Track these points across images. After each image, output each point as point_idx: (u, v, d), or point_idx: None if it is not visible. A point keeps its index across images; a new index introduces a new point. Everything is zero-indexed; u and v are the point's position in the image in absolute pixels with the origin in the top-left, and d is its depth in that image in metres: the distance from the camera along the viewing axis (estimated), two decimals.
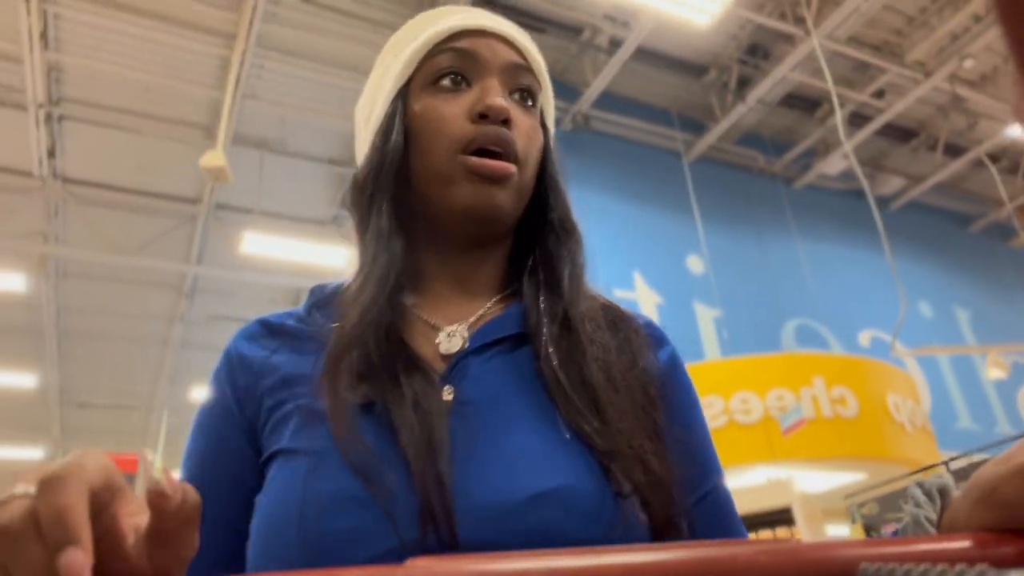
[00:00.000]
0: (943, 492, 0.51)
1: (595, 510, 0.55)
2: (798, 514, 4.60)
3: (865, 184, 4.60)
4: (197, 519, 0.40)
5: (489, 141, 0.65)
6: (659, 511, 0.57)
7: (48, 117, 5.97)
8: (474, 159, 0.65)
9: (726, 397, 4.54)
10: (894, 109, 6.74)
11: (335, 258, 6.34)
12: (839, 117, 4.53)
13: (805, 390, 4.52)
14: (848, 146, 4.59)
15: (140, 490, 0.39)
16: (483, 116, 0.66)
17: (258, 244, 6.10)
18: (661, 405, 0.65)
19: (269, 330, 0.71)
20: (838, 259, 7.29)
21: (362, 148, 0.76)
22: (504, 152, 0.66)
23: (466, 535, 0.52)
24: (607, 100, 6.51)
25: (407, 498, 0.53)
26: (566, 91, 6.34)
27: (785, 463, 4.47)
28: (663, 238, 6.38)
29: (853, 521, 3.41)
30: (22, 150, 6.24)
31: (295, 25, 5.59)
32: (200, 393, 5.92)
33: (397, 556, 0.51)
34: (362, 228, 0.70)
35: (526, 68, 0.72)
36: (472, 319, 0.68)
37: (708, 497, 0.65)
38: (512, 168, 0.66)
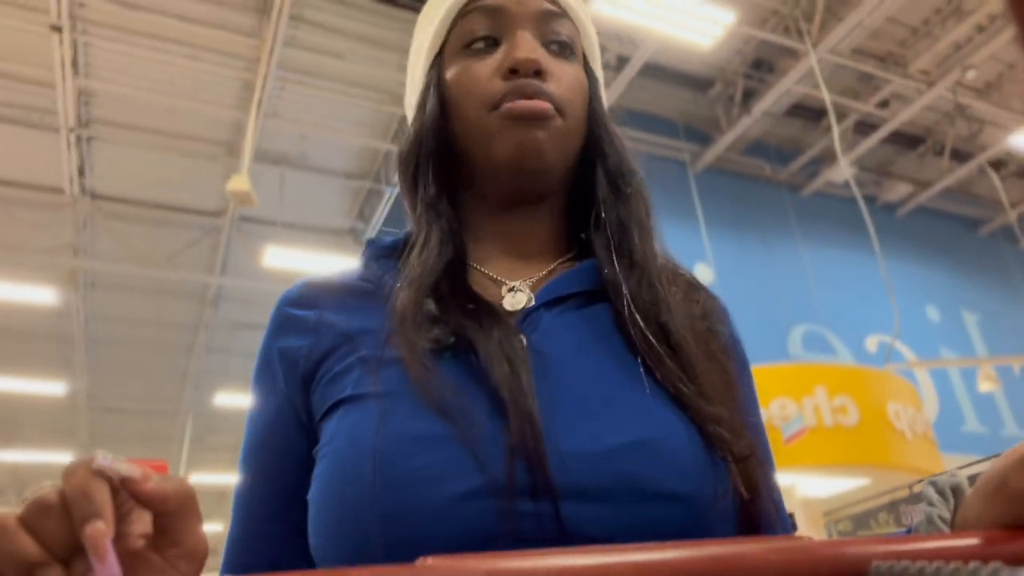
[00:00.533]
0: (956, 490, 0.51)
1: (690, 466, 0.53)
2: (800, 520, 4.76)
3: (857, 193, 4.75)
4: (192, 511, 0.41)
5: (520, 94, 0.63)
6: (757, 482, 0.56)
7: (78, 139, 6.24)
8: (508, 104, 0.63)
9: None
10: (899, 118, 6.86)
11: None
12: (836, 134, 4.68)
13: (807, 400, 4.68)
14: (845, 161, 4.74)
15: None
16: (513, 71, 0.64)
17: (280, 257, 6.33)
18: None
19: (317, 289, 0.68)
20: (845, 264, 7.41)
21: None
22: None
23: (557, 478, 0.50)
24: (614, 114, 6.66)
25: (494, 436, 0.52)
26: None
27: (788, 470, 4.64)
28: (670, 247, 6.53)
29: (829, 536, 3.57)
30: (54, 169, 6.52)
31: (314, 48, 5.81)
32: (224, 398, 6.16)
33: (483, 496, 0.50)
34: (412, 200, 0.69)
35: (559, 15, 0.69)
36: (535, 278, 0.66)
37: None
38: (548, 106, 0.64)
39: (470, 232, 0.69)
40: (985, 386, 5.57)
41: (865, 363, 6.44)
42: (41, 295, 6.83)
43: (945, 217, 8.49)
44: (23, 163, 6.54)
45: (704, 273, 6.59)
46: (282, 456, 0.64)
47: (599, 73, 0.75)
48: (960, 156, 7.64)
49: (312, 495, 0.56)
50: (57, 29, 4.99)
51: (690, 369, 0.58)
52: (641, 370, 0.58)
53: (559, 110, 0.65)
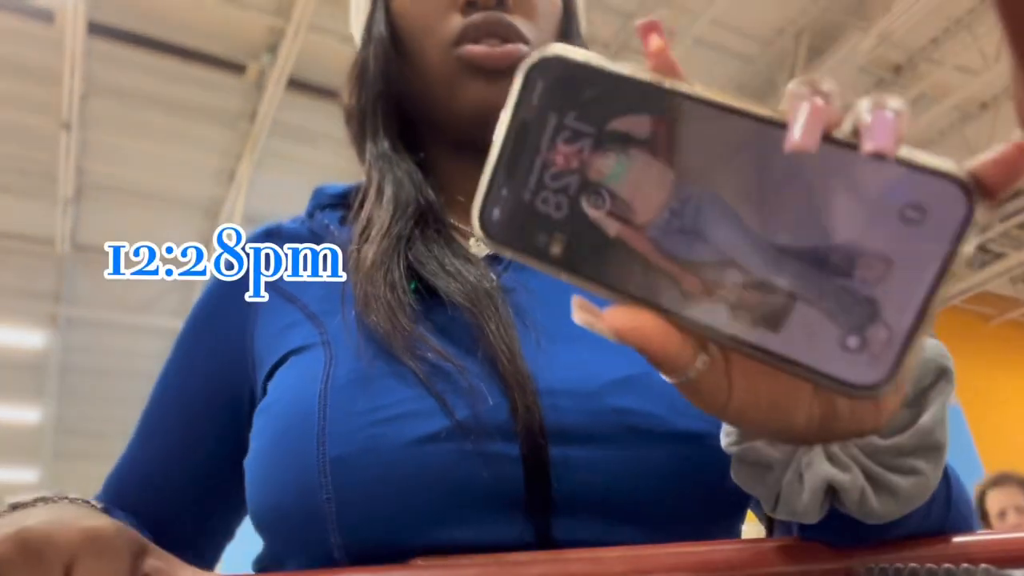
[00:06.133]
0: None
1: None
2: None
3: None
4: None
5: (481, 34, 0.56)
6: None
7: (73, 206, 6.96)
8: (471, 48, 0.56)
9: None
10: None
11: None
12: None
13: None
14: None
15: None
16: (470, 3, 0.57)
17: None
18: None
19: (269, 236, 0.65)
20: None
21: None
22: (505, 40, 0.56)
23: (548, 417, 0.45)
24: None
25: (466, 373, 0.47)
26: None
27: None
28: None
29: None
30: (47, 226, 7.21)
31: (290, 137, 6.63)
32: None
33: (453, 437, 0.44)
34: (360, 148, 0.64)
35: None
36: None
37: None
38: (519, 50, 0.56)
39: (430, 176, 0.62)
40: None
41: None
42: (24, 338, 7.50)
43: None
44: (20, 219, 7.23)
45: None
46: (194, 419, 0.61)
47: None
48: None
49: (250, 457, 0.51)
50: (66, 126, 5.73)
51: None
52: None
53: (529, 42, 0.57)
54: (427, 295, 0.53)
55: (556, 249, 0.29)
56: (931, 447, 0.35)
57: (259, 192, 7.06)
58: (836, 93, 0.27)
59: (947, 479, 0.42)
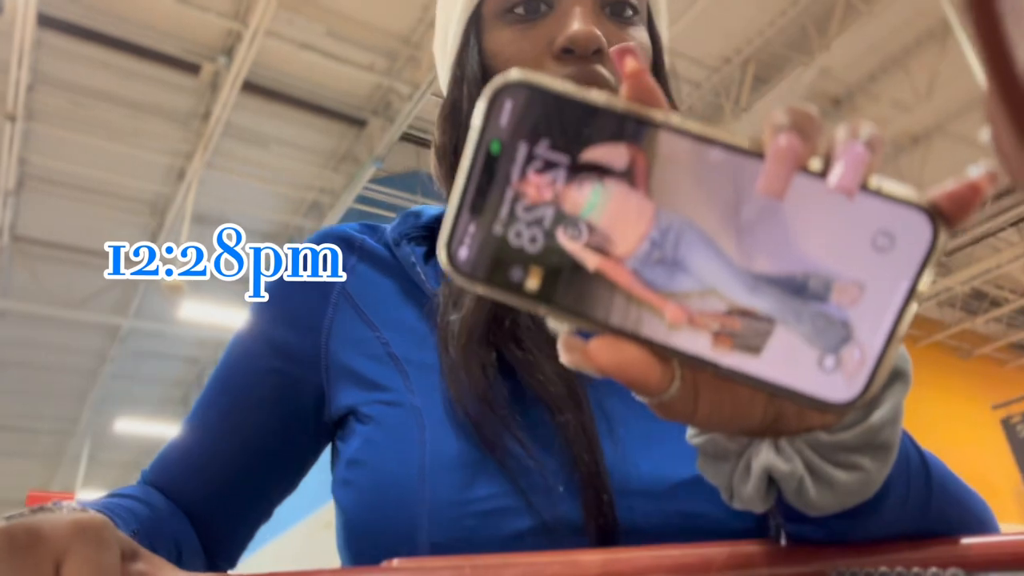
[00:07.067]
0: None
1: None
2: None
3: None
4: None
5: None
6: None
7: (14, 197, 6.80)
8: None
9: None
10: None
11: None
12: None
13: None
14: None
15: None
16: (567, 51, 0.55)
17: (195, 311, 7.03)
18: None
19: (348, 246, 0.63)
20: None
21: (444, 83, 0.66)
22: None
23: (619, 516, 0.48)
24: None
25: (554, 472, 0.49)
26: None
27: None
28: None
29: None
30: None
31: (242, 138, 6.60)
32: (124, 424, 6.86)
33: (540, 534, 0.47)
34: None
35: None
36: None
37: None
38: None
39: None
40: None
41: None
42: None
43: None
44: None
45: None
46: (247, 408, 0.61)
47: (664, 29, 0.66)
48: None
49: (348, 505, 0.54)
50: (10, 117, 5.62)
51: None
52: None
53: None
54: (507, 369, 0.54)
55: (532, 283, 0.28)
56: (878, 446, 0.36)
57: (208, 191, 7.01)
58: (817, 124, 0.27)
59: (928, 479, 0.43)
